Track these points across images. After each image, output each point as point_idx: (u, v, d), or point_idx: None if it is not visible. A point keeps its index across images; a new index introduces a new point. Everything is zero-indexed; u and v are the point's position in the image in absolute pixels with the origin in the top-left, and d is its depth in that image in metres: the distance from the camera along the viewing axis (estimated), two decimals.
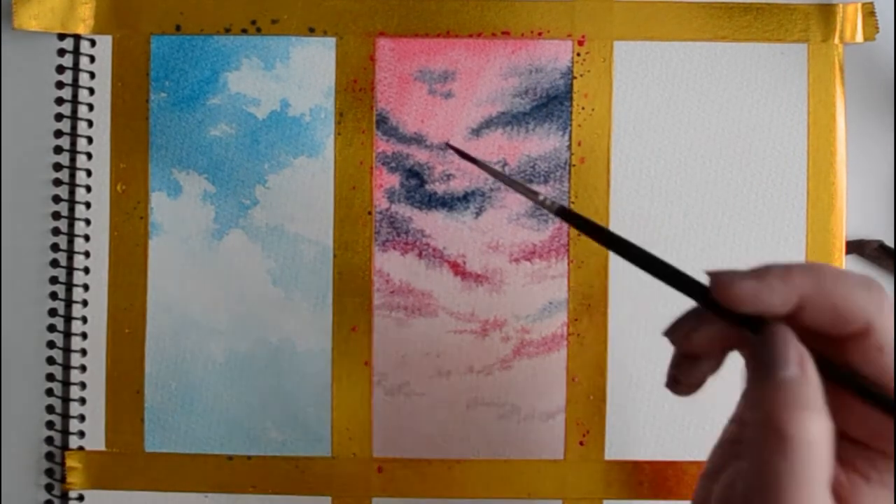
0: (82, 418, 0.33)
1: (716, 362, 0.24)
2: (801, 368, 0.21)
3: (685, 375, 0.25)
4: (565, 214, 0.25)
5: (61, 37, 0.33)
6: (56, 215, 0.33)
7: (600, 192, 0.33)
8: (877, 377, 0.21)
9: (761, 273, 0.22)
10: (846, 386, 0.22)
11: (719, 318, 0.23)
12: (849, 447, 0.22)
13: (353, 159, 0.33)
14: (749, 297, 0.22)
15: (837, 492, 0.22)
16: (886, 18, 0.33)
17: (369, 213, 0.33)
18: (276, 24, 0.33)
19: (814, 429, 0.21)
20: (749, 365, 0.23)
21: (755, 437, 0.22)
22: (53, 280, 0.33)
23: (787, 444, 0.21)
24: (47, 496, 0.33)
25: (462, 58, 0.33)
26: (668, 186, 0.33)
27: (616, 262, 0.33)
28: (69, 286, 0.33)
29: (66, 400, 0.33)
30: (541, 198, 0.25)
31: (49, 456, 0.33)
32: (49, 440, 0.33)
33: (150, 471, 0.33)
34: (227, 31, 0.33)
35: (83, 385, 0.33)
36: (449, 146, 0.31)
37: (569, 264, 0.33)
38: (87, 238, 0.33)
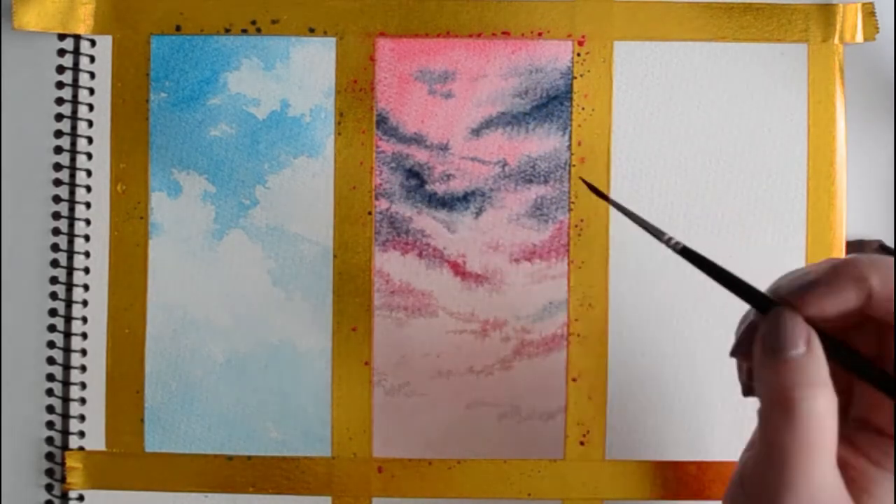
0: (82, 418, 0.33)
1: None
2: (807, 347, 0.23)
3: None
4: (688, 254, 0.25)
5: (61, 37, 0.33)
6: (56, 215, 0.33)
7: None
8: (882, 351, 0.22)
9: (826, 279, 0.23)
10: (852, 367, 0.23)
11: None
12: (865, 433, 0.23)
13: (353, 159, 0.33)
14: (827, 306, 0.23)
15: (851, 475, 0.23)
16: (886, 18, 0.33)
17: (369, 213, 0.33)
18: (276, 24, 0.33)
19: (819, 403, 0.22)
20: (758, 345, 0.24)
21: (765, 412, 0.23)
22: (53, 280, 0.33)
23: (794, 417, 0.22)
24: (47, 496, 0.33)
25: (462, 58, 0.33)
26: (668, 186, 0.33)
27: (616, 263, 0.33)
28: (69, 286, 0.33)
29: (66, 400, 0.33)
30: (665, 237, 0.25)
31: (49, 456, 0.33)
32: (49, 440, 0.33)
33: (150, 471, 0.33)
34: (227, 31, 0.33)
35: (83, 385, 0.33)
36: (582, 180, 0.28)
37: (569, 264, 0.33)
38: (87, 238, 0.33)
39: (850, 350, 0.23)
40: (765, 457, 0.23)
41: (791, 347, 0.23)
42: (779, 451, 0.23)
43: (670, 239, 0.25)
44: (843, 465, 0.23)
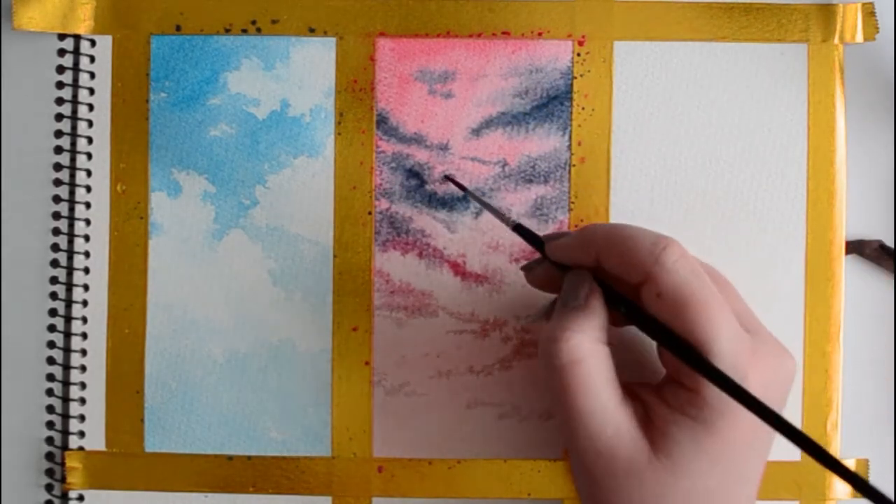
0: (82, 418, 0.33)
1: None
2: (585, 301, 0.26)
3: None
4: (519, 230, 0.30)
5: (61, 37, 0.33)
6: (56, 215, 0.33)
7: (600, 192, 0.33)
8: (659, 317, 0.25)
9: (571, 237, 0.28)
10: (631, 317, 0.26)
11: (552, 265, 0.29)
12: (669, 386, 0.26)
13: (353, 159, 0.33)
14: (561, 255, 0.28)
15: (654, 421, 0.26)
16: (886, 18, 0.33)
17: (369, 213, 0.33)
18: (276, 24, 0.33)
19: (580, 348, 0.26)
20: (559, 301, 0.28)
21: (541, 352, 0.27)
22: (53, 280, 0.33)
23: (556, 359, 0.26)
24: (47, 496, 0.33)
25: (462, 58, 0.33)
26: (668, 186, 0.33)
27: None
28: (69, 286, 0.33)
29: (66, 400, 0.33)
30: (505, 216, 0.30)
31: (49, 456, 0.33)
32: (49, 440, 0.33)
33: (150, 471, 0.33)
34: (227, 31, 0.33)
35: (83, 385, 0.33)
36: (446, 177, 0.33)
37: None
38: (87, 238, 0.33)
39: (629, 303, 0.26)
40: (546, 391, 0.27)
41: (571, 300, 0.27)
42: (550, 388, 0.26)
43: (509, 218, 0.30)
44: (650, 413, 0.26)
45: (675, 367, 0.26)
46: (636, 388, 0.27)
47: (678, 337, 0.25)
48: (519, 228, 0.30)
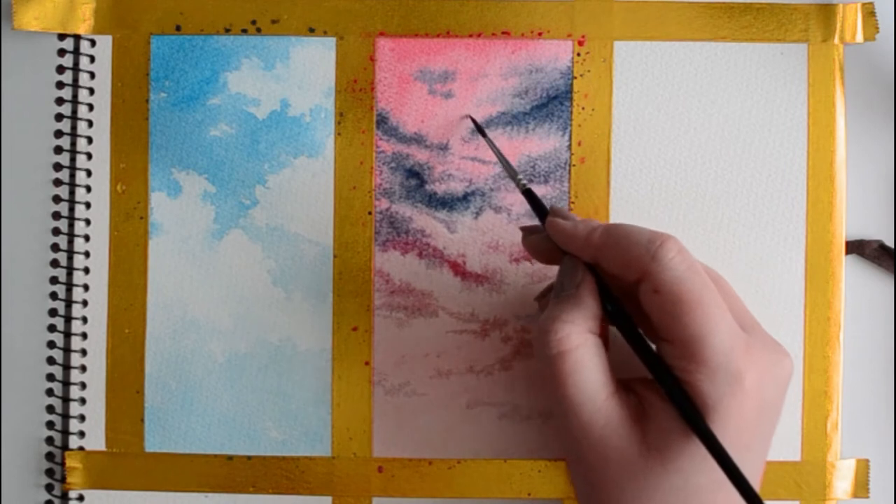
0: (82, 418, 0.33)
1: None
2: (576, 290, 0.26)
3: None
4: (530, 196, 0.30)
5: (61, 37, 0.33)
6: (56, 215, 0.33)
7: (600, 192, 0.33)
8: (656, 313, 0.25)
9: (573, 225, 0.27)
10: (613, 319, 0.27)
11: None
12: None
13: (353, 159, 0.33)
14: (559, 237, 0.28)
15: (647, 412, 0.26)
16: (886, 18, 0.33)
17: (369, 213, 0.33)
18: (276, 24, 0.33)
19: (569, 339, 0.26)
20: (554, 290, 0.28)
21: (535, 343, 0.27)
22: (53, 280, 0.33)
23: (547, 349, 0.26)
24: (47, 496, 0.33)
25: (462, 58, 0.33)
26: (668, 186, 0.33)
27: None
28: (69, 286, 0.33)
29: (66, 400, 0.33)
30: (518, 177, 0.30)
31: (49, 456, 0.33)
32: (49, 440, 0.33)
33: (150, 471, 0.33)
34: (227, 31, 0.33)
35: (83, 385, 0.33)
36: (469, 117, 0.33)
37: None
38: (87, 238, 0.33)
39: (618, 305, 0.27)
40: (539, 378, 0.28)
41: (562, 289, 0.27)
42: (544, 377, 0.26)
43: (520, 180, 0.30)
44: (644, 405, 0.26)
45: (670, 359, 0.26)
46: (632, 382, 0.27)
47: (651, 351, 0.26)
48: (529, 194, 0.29)
